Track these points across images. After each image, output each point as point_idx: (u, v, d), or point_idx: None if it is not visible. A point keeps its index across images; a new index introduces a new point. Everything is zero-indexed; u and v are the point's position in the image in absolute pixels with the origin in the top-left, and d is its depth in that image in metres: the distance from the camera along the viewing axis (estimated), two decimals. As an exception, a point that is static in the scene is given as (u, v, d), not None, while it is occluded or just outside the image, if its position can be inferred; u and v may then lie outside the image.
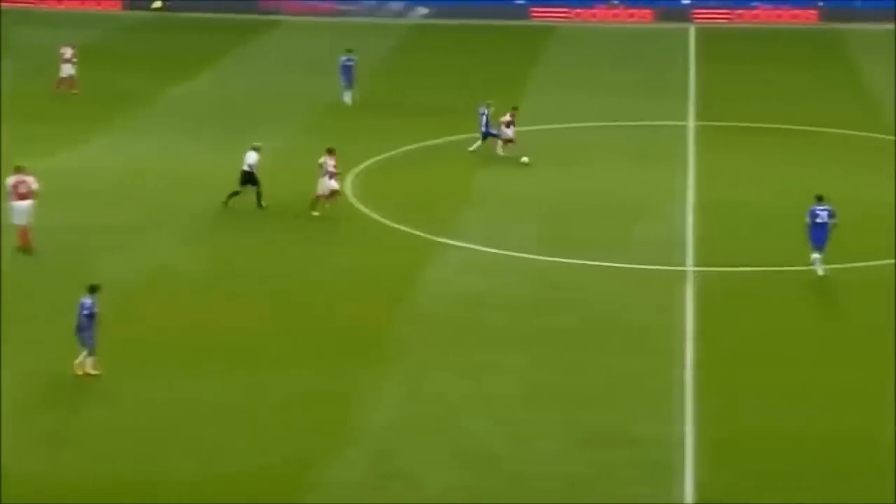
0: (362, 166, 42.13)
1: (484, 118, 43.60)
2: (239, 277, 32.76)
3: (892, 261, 33.58)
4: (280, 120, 48.47)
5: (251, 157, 37.70)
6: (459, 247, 35.18)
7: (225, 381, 26.66)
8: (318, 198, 36.98)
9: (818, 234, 32.50)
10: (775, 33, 67.99)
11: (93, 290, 26.68)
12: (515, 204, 38.87)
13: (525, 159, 42.06)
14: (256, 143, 38.40)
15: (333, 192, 37.04)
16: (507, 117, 43.17)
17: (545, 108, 50.54)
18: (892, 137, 45.78)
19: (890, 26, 66.94)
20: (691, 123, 48.51)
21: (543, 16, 71.51)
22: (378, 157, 43.07)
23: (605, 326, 29.86)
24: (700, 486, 22.79)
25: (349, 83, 51.35)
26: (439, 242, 35.44)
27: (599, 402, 26.08)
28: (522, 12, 71.68)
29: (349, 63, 51.54)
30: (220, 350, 28.17)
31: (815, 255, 32.56)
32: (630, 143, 45.89)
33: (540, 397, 26.32)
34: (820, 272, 32.52)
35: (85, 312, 26.32)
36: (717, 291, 31.95)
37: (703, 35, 67.06)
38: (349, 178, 40.41)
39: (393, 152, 41.31)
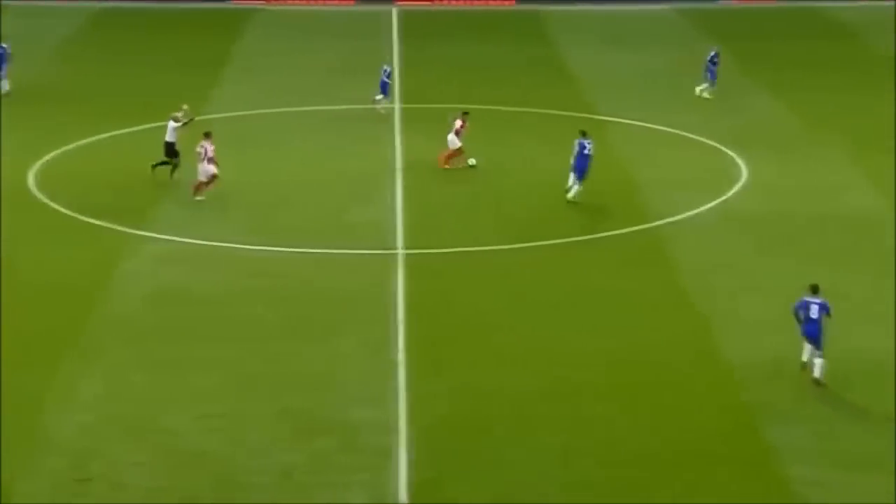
0: (46, 159, 40.08)
1: (385, 75, 45.84)
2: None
3: (599, 235, 34.28)
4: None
5: (172, 127, 37.58)
6: (157, 239, 33.83)
7: None
8: (200, 184, 36.32)
9: (582, 165, 36.50)
10: (477, 15, 68.85)
11: None
12: (218, 192, 37.64)
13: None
14: (175, 114, 37.96)
15: (214, 177, 36.37)
16: (458, 125, 40.45)
17: (246, 93, 49.53)
18: (594, 116, 46.76)
19: (586, 7, 68.89)
20: (397, 106, 48.39)
21: (242, -1, 70.21)
22: (63, 149, 41.04)
23: (315, 313, 29.23)
24: (414, 467, 22.59)
25: None
26: (136, 235, 34.00)
27: (311, 390, 25.48)
28: (221, -5, 70.16)
29: None
30: None
31: (575, 186, 36.67)
32: (336, 127, 45.39)
33: (248, 389, 25.49)
34: (572, 194, 36.47)
35: None
36: (427, 273, 31.79)
37: (406, 17, 67.28)
38: (32, 173, 38.43)
39: (80, 142, 39.39)
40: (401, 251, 33.25)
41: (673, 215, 35.81)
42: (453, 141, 40.21)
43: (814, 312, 25.59)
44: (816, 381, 25.57)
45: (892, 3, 68.12)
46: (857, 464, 22.85)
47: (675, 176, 39.66)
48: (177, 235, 34.02)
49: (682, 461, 22.94)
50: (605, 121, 46.13)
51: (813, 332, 25.61)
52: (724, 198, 37.51)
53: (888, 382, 25.85)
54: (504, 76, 53.96)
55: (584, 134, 37.21)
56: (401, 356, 26.93)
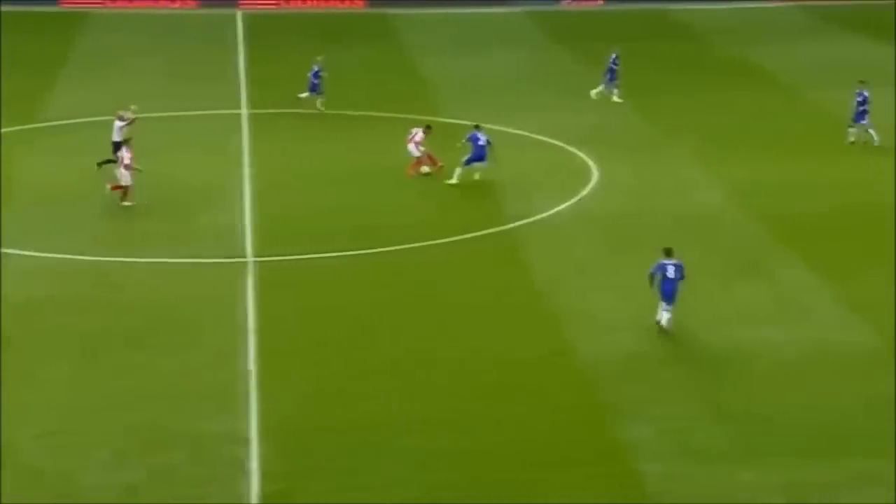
0: None
1: (315, 72, 46.19)
2: None
3: (455, 238, 33.95)
4: None
5: (118, 126, 37.68)
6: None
7: None
8: (122, 189, 36.16)
9: (479, 153, 38.01)
10: (325, 18, 68.19)
11: None
12: (60, 201, 36.45)
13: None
14: (121, 112, 37.89)
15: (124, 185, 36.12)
16: (418, 136, 39.33)
17: (85, 99, 48.11)
18: (443, 119, 46.52)
19: (435, 10, 68.83)
20: (244, 111, 47.56)
21: (74, 2, 68.17)
22: None
23: (162, 324, 28.32)
24: (266, 477, 22.02)
25: None
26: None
27: (157, 403, 24.63)
28: (50, -2, 68.13)
29: None
30: None
31: (460, 168, 38.10)
32: (182, 133, 44.40)
33: (92, 404, 24.54)
34: (455, 178, 38.04)
35: None
36: (277, 280, 31.11)
37: (250, 21, 66.28)
38: None
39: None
40: (251, 258, 32.50)
41: (528, 217, 35.74)
42: (412, 151, 39.54)
43: (671, 273, 27.40)
44: (663, 329, 27.35)
45: (735, 6, 69.57)
46: (711, 458, 22.91)
47: (527, 178, 39.62)
48: (14, 248, 32.69)
49: (538, 461, 22.77)
50: (454, 124, 45.93)
51: (669, 291, 27.29)
52: (576, 198, 37.59)
53: (740, 378, 26.06)
54: (353, 80, 53.40)
55: (477, 127, 38.59)
56: (252, 365, 26.23)
